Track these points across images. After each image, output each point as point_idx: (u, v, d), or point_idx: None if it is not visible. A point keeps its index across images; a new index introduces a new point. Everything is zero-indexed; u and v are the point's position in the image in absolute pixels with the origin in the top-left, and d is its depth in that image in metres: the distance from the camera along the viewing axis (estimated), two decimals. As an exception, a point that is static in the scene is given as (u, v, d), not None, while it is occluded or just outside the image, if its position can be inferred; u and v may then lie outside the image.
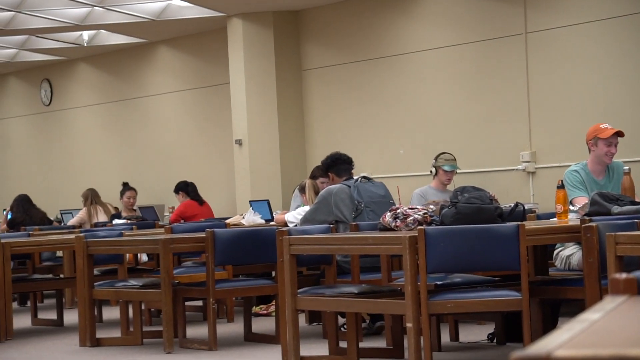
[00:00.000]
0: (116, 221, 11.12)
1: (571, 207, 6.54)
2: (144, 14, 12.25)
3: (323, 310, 6.73)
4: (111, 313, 9.42)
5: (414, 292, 5.24)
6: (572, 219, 6.19)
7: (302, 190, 9.02)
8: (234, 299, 8.69)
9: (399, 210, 5.93)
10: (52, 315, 9.14)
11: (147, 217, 11.89)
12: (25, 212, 11.76)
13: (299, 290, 5.85)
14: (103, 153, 14.90)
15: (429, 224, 5.76)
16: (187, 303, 7.93)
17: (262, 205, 10.35)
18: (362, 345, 6.36)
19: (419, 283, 5.26)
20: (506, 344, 6.63)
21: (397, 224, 5.85)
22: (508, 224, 5.39)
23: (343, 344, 6.24)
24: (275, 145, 11.86)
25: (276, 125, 11.85)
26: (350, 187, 7.43)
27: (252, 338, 7.39)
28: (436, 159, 9.43)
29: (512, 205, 6.09)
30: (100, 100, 14.96)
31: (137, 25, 12.62)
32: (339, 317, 6.69)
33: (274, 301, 8.05)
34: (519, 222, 5.36)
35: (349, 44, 11.47)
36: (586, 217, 5.77)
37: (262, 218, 9.61)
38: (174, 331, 6.99)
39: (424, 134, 10.74)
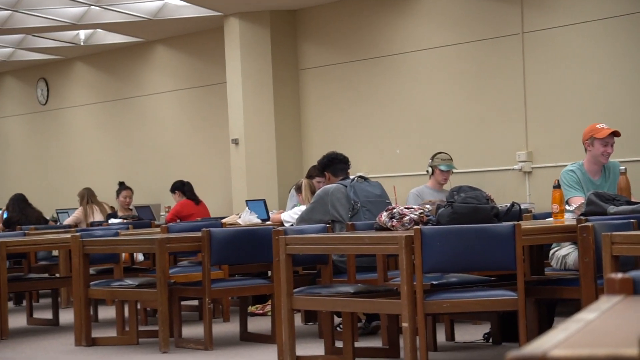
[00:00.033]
0: (112, 220, 11.11)
1: (567, 207, 6.54)
2: (140, 13, 12.24)
3: (319, 310, 6.72)
4: (107, 312, 9.41)
5: (410, 292, 5.23)
6: (568, 219, 6.20)
7: (299, 189, 9.02)
8: (229, 298, 8.69)
9: (395, 210, 5.92)
10: (48, 315, 9.13)
11: (143, 217, 11.89)
12: (21, 211, 11.74)
13: (295, 290, 5.84)
14: (99, 152, 14.89)
15: (425, 223, 5.76)
16: (183, 302, 7.92)
17: (259, 204, 10.35)
18: (358, 344, 6.35)
19: (414, 283, 5.25)
20: (502, 344, 6.63)
21: (394, 224, 5.85)
22: (504, 223, 5.39)
23: (339, 344, 6.23)
24: (272, 145, 11.85)
25: (273, 125, 11.84)
26: (346, 186, 7.43)
27: (248, 338, 7.39)
28: (433, 158, 9.43)
29: (509, 205, 6.10)
30: (96, 100, 14.94)
31: (133, 24, 12.61)
32: (335, 317, 6.68)
33: (269, 301, 8.04)
34: (515, 222, 5.36)
35: (345, 44, 11.47)
36: (582, 217, 5.78)
37: (258, 217, 9.61)
38: (169, 331, 6.99)
39: (421, 133, 10.73)
